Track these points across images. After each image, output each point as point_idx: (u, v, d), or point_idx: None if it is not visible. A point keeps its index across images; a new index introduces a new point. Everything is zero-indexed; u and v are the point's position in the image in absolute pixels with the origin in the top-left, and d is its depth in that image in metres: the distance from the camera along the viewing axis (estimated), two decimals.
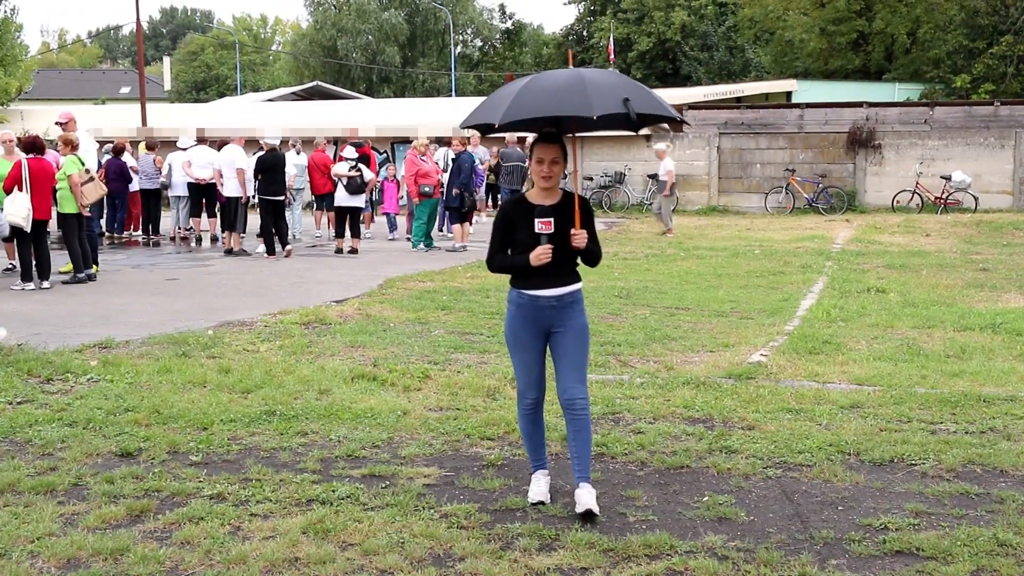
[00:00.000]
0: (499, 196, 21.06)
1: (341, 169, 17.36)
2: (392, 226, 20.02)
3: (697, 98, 30.39)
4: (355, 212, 17.57)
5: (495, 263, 5.16)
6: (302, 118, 30.51)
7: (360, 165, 17.39)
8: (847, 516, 4.99)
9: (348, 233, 17.39)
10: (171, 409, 6.82)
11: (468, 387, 7.46)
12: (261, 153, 16.80)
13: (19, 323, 10.33)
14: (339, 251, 17.27)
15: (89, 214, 13.92)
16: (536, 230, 4.97)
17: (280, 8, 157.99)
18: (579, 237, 4.96)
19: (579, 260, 5.15)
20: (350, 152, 17.68)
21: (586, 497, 4.97)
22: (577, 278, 5.14)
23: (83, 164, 13.32)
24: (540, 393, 5.20)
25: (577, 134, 5.47)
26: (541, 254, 4.93)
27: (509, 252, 5.12)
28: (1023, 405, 6.88)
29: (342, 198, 17.34)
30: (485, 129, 5.24)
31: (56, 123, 14.17)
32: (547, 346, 5.15)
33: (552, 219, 4.97)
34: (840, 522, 4.91)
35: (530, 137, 21.77)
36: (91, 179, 13.37)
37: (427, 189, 17.28)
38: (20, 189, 12.56)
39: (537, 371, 5.15)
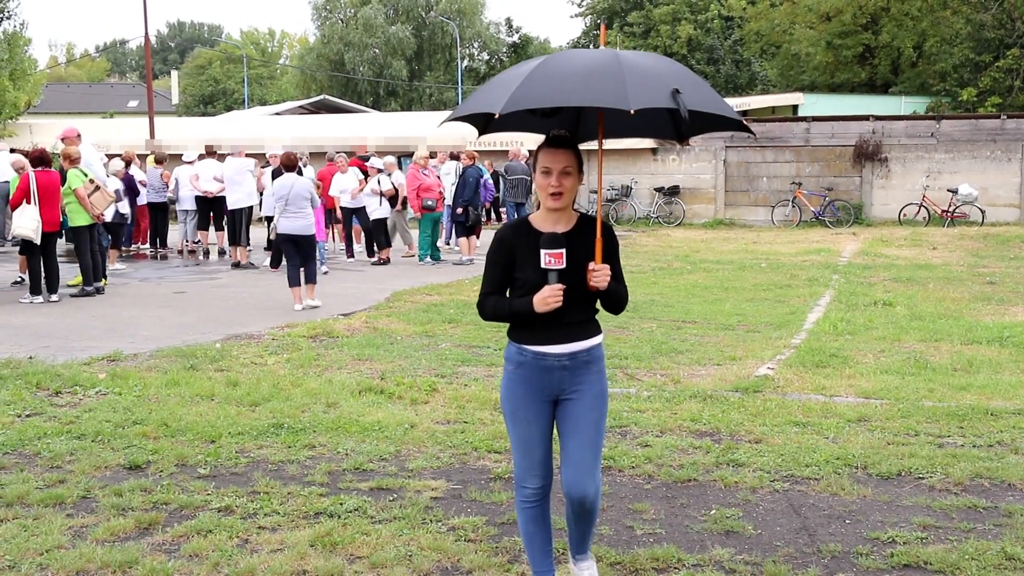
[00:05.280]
0: (501, 211, 21.03)
1: (384, 184, 17.60)
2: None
3: None
4: (385, 222, 17.89)
5: (488, 308, 3.94)
6: (309, 131, 30.61)
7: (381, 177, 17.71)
8: (854, 530, 4.99)
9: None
10: (179, 422, 6.84)
11: (475, 400, 7.47)
12: (273, 167, 16.90)
13: (28, 336, 10.38)
14: (385, 261, 17.59)
15: (106, 219, 14.10)
16: (542, 265, 3.79)
17: (287, 22, 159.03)
18: (599, 274, 3.78)
19: (599, 305, 4.00)
20: (378, 162, 17.91)
21: None
22: (596, 330, 3.97)
23: (86, 176, 13.43)
24: (545, 481, 3.99)
25: (603, 141, 4.06)
26: (549, 296, 3.75)
27: (508, 294, 3.97)
28: None
29: (384, 210, 17.58)
30: (483, 123, 4.02)
31: (59, 138, 14.29)
32: (554, 417, 4.01)
33: (563, 251, 3.79)
34: (848, 536, 4.91)
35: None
36: (96, 188, 13.47)
37: (430, 203, 17.36)
38: (28, 202, 12.64)
39: (540, 452, 3.96)
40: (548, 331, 3.87)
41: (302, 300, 12.36)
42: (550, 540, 4.10)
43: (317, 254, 13.72)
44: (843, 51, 40.35)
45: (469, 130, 4.29)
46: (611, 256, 3.91)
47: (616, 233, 4.06)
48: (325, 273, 15.86)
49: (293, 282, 12.40)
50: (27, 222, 12.57)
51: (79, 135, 14.23)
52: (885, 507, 5.29)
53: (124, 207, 16.66)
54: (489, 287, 3.97)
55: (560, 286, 3.77)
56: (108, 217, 14.38)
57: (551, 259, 3.79)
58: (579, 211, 3.99)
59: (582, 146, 4.01)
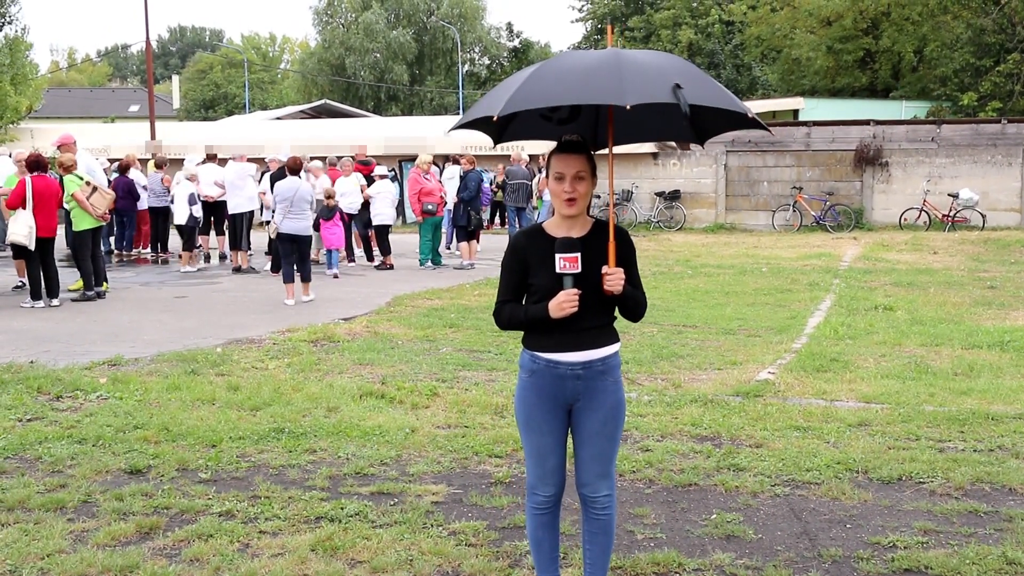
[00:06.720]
0: (505, 214, 21.09)
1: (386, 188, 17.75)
2: (332, 262, 16.51)
3: None
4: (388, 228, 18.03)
5: (504, 315, 3.92)
6: (310, 136, 30.63)
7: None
8: (855, 534, 4.99)
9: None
10: (180, 426, 6.85)
11: (476, 404, 7.47)
12: (271, 171, 16.92)
13: (29, 341, 10.38)
14: (390, 267, 17.51)
15: (108, 218, 14.24)
16: (557, 269, 3.74)
17: (288, 27, 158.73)
18: (614, 278, 3.73)
19: (616, 311, 3.95)
20: (383, 171, 18.04)
21: None
22: (613, 337, 3.90)
23: (81, 179, 13.49)
24: (558, 489, 3.95)
25: (616, 147, 3.97)
26: (564, 301, 3.70)
27: (524, 301, 3.93)
28: None
29: (388, 216, 17.65)
30: (498, 131, 4.03)
31: (55, 145, 14.35)
32: (568, 424, 3.95)
33: (579, 255, 3.74)
34: (848, 540, 4.91)
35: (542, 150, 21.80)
36: (94, 189, 13.52)
37: (430, 207, 17.36)
38: (23, 207, 12.66)
39: (554, 460, 3.91)
40: (563, 338, 3.80)
41: (294, 295, 13.13)
42: (557, 547, 4.08)
43: (333, 259, 16.19)
44: (844, 56, 40.43)
45: (478, 135, 4.23)
46: (627, 262, 3.88)
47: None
48: (336, 277, 15.97)
49: (287, 278, 13.18)
50: (20, 228, 12.58)
51: (74, 141, 14.28)
52: (886, 512, 5.29)
53: (197, 211, 17.21)
54: (505, 295, 3.95)
55: (576, 291, 3.72)
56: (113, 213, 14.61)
57: (566, 263, 3.74)
58: (595, 217, 3.95)
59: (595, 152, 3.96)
